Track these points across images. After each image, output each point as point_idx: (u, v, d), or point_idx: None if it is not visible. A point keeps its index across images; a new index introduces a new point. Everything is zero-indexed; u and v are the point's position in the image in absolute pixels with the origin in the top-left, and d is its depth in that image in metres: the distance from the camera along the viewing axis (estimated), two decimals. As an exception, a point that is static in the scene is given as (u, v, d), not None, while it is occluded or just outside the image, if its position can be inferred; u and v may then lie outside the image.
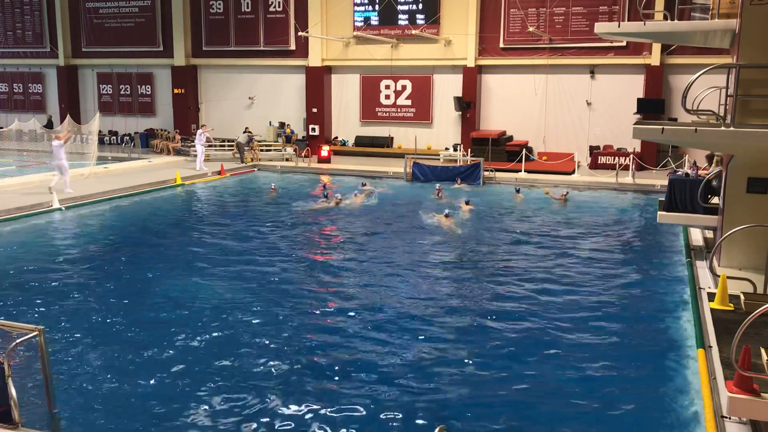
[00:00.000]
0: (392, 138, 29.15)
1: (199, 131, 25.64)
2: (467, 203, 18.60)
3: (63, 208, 17.70)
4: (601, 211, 18.73)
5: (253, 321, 9.69)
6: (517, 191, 20.63)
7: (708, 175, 12.58)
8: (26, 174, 22.62)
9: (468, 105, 27.23)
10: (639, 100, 24.04)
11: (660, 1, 23.00)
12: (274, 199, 20.59)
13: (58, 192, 18.37)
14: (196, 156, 25.55)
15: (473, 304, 10.64)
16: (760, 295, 7.85)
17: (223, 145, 29.32)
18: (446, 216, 16.73)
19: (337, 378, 7.87)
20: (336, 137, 30.25)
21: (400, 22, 27.96)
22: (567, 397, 7.45)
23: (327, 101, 29.94)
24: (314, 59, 29.49)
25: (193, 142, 26.95)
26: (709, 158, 14.61)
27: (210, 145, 27.26)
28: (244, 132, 27.41)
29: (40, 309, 10.03)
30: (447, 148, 27.08)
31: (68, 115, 27.73)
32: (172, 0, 31.54)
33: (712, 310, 7.29)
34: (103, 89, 34.62)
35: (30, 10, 34.94)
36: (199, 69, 32.41)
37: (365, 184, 22.03)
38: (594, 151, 25.48)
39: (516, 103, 27.06)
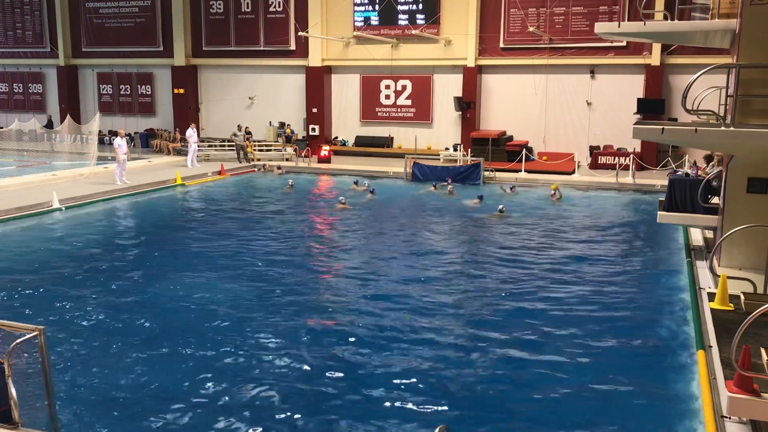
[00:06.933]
0: (392, 138, 29.15)
1: (191, 130, 25.68)
2: (480, 198, 19.54)
3: (63, 208, 17.70)
4: (601, 211, 18.74)
5: (254, 320, 9.68)
6: (480, 198, 19.78)
7: (708, 175, 12.57)
8: (26, 174, 22.63)
9: (468, 105, 27.22)
10: (639, 100, 24.04)
11: (660, 1, 23.01)
12: (288, 193, 21.33)
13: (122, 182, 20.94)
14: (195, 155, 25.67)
15: (473, 303, 10.64)
16: (760, 295, 7.84)
17: (223, 145, 29.32)
18: (501, 211, 17.66)
19: (338, 377, 7.87)
20: (336, 137, 30.25)
21: (400, 22, 27.96)
22: (567, 397, 7.45)
23: (327, 101, 29.94)
24: (314, 59, 29.49)
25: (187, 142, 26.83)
26: (708, 158, 14.60)
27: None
28: (239, 130, 27.35)
29: (40, 309, 10.02)
30: (447, 148, 27.07)
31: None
32: (172, 0, 31.54)
33: (712, 310, 7.29)
34: (103, 89, 34.62)
35: (30, 10, 34.95)
36: (199, 69, 32.42)
37: (356, 182, 22.14)
38: (594, 151, 25.49)
39: (516, 103, 27.05)
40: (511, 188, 21.44)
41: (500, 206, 17.93)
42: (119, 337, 9.02)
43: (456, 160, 24.74)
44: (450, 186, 21.46)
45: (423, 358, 8.41)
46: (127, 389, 7.52)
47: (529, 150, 25.35)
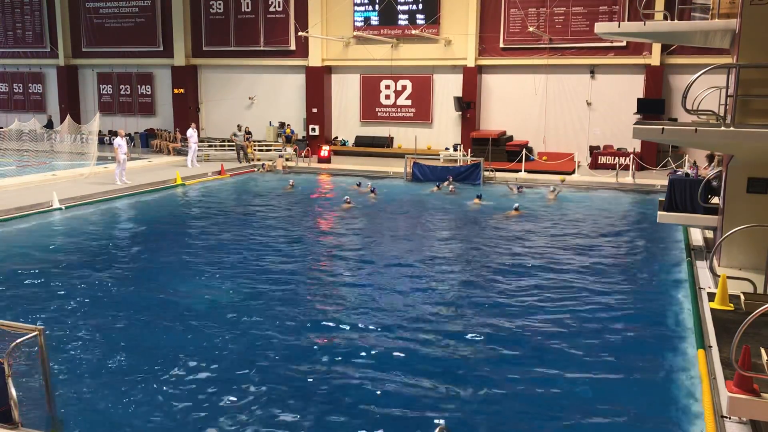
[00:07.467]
0: (392, 138, 29.15)
1: (191, 130, 25.66)
2: (479, 197, 19.56)
3: (63, 208, 17.71)
4: (601, 211, 18.73)
5: (255, 320, 9.69)
6: (479, 197, 19.71)
7: (708, 175, 12.57)
8: (26, 174, 22.63)
9: (468, 105, 27.22)
10: (639, 100, 24.03)
11: (660, 1, 23.01)
12: (289, 193, 21.36)
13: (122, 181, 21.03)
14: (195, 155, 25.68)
15: (473, 302, 10.63)
16: (760, 295, 7.84)
17: (223, 145, 29.33)
18: (516, 209, 17.90)
19: (339, 377, 7.87)
20: (336, 137, 30.25)
21: (400, 22, 27.96)
22: (567, 397, 7.45)
23: (327, 101, 29.94)
24: (314, 59, 29.49)
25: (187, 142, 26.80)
26: (710, 158, 14.61)
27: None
28: (239, 130, 27.34)
29: (40, 309, 10.02)
30: (447, 148, 27.07)
31: (68, 115, 27.75)
32: (172, 0, 31.55)
33: (712, 310, 7.28)
34: (103, 89, 34.62)
35: (30, 10, 34.95)
36: (199, 69, 32.42)
37: (359, 184, 22.05)
38: (594, 151, 25.48)
39: (516, 103, 27.05)
40: (519, 188, 21.41)
41: (516, 205, 18.18)
42: (119, 337, 9.02)
43: (456, 160, 24.73)
44: (451, 186, 21.49)
45: (425, 359, 8.41)
46: (127, 389, 7.51)
47: (529, 150, 25.34)
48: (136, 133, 32.87)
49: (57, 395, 6.83)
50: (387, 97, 29.08)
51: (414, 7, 27.74)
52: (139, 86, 33.84)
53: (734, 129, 8.72)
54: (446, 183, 22.03)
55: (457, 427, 6.77)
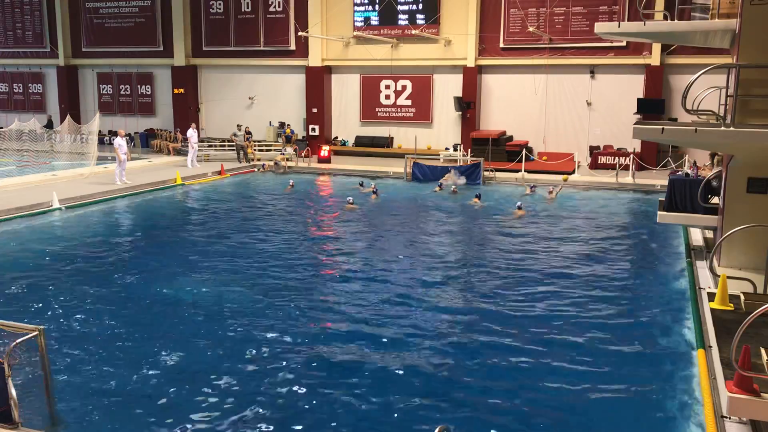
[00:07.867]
0: (392, 138, 29.15)
1: (191, 130, 25.66)
2: (478, 197, 19.55)
3: (63, 208, 17.71)
4: (600, 211, 18.73)
5: (254, 320, 9.68)
6: (477, 197, 19.61)
7: (708, 175, 12.58)
8: (26, 174, 22.63)
9: (468, 105, 27.23)
10: (639, 100, 24.03)
11: (660, 1, 23.02)
12: (289, 194, 21.38)
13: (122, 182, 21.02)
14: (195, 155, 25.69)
15: (473, 302, 10.64)
16: (760, 295, 7.84)
17: (223, 145, 29.33)
18: (519, 208, 18.04)
19: (339, 377, 7.86)
20: (336, 137, 30.25)
21: (400, 22, 27.97)
22: (567, 397, 7.45)
23: (327, 101, 29.94)
24: (314, 59, 29.49)
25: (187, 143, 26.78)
26: (713, 157, 14.61)
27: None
28: (239, 130, 27.35)
29: (40, 309, 10.03)
30: (447, 148, 27.08)
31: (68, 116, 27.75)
32: (172, 0, 31.55)
33: (712, 310, 7.29)
34: (103, 89, 34.64)
35: (30, 10, 34.96)
36: (199, 69, 32.42)
37: (362, 183, 22.04)
38: (594, 151, 25.49)
39: (516, 103, 27.06)
40: (531, 188, 21.40)
41: (518, 203, 18.29)
42: (119, 337, 9.02)
43: (456, 160, 24.73)
44: (454, 186, 21.46)
45: (425, 359, 8.41)
46: (127, 389, 7.52)
47: (529, 150, 25.34)
48: (136, 133, 32.84)
49: (57, 395, 6.83)
50: (387, 97, 29.09)
51: (414, 7, 27.75)
52: (139, 86, 33.85)
53: (734, 129, 8.71)
54: (446, 177, 22.06)
55: (458, 427, 6.76)
